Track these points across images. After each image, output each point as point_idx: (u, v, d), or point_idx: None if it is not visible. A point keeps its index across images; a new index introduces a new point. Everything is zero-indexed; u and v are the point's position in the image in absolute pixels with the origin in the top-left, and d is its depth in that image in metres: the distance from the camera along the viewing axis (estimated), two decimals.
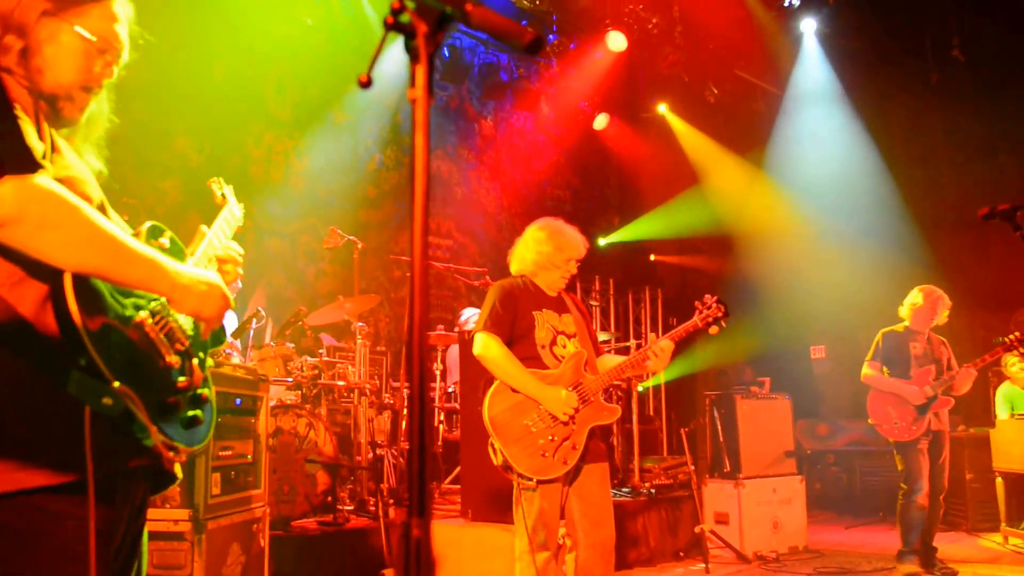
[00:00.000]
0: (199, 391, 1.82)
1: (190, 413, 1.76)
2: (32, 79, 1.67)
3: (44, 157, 1.57)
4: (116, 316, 1.62)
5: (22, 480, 1.51)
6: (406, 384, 6.68)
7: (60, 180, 1.56)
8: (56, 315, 1.52)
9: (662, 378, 10.03)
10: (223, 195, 2.25)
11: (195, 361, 1.82)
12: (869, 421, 5.78)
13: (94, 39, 1.75)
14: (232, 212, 2.21)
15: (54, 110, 1.73)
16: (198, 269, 1.81)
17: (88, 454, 1.53)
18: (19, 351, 1.54)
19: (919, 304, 5.77)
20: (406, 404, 6.64)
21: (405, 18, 1.06)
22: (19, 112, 1.58)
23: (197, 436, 1.80)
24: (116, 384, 1.54)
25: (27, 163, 1.23)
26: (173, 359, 1.72)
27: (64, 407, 1.53)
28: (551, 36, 9.90)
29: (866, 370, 5.82)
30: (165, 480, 1.86)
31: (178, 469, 1.86)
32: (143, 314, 1.67)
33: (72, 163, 1.71)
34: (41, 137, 1.62)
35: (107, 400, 1.53)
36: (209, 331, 1.87)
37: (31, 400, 1.54)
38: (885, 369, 5.78)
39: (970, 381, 5.65)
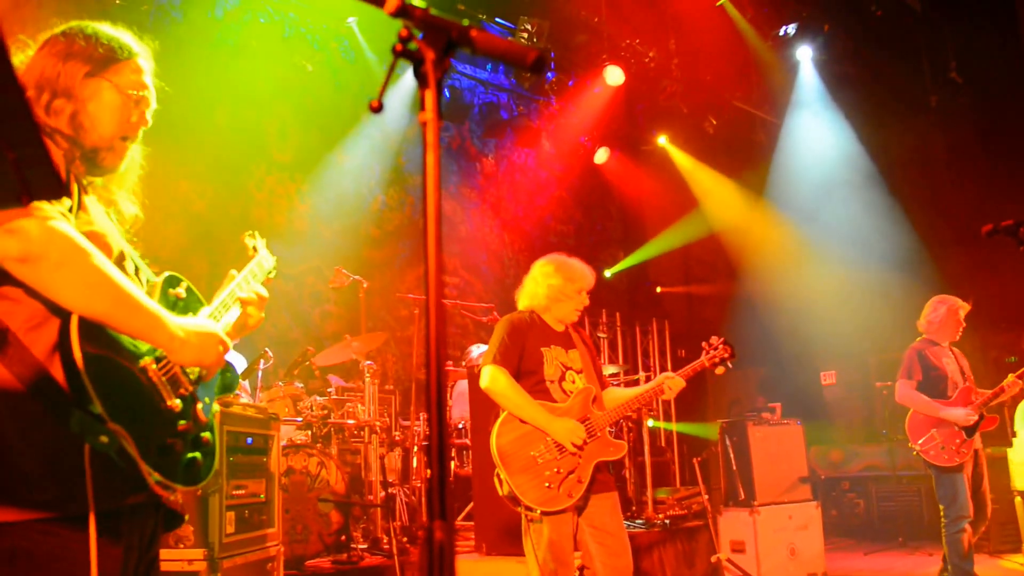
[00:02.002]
0: (200, 434, 1.89)
1: (189, 455, 1.83)
2: (77, 136, 1.83)
3: (70, 211, 1.71)
4: (123, 358, 1.73)
5: (30, 512, 1.60)
6: (421, 417, 6.68)
7: (82, 235, 1.68)
8: (63, 364, 1.62)
9: (674, 425, 9.98)
10: (255, 247, 2.36)
11: (199, 406, 1.91)
12: (910, 445, 5.40)
13: (131, 92, 1.92)
14: (261, 264, 2.31)
15: (95, 161, 1.88)
16: (198, 321, 1.90)
17: (89, 488, 1.62)
18: (30, 391, 1.63)
19: (940, 314, 5.49)
20: (417, 438, 6.65)
21: (413, 46, 1.11)
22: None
23: (195, 477, 1.86)
24: (111, 425, 1.62)
25: (55, 189, 1.29)
26: (174, 403, 1.80)
27: (68, 444, 1.62)
28: (550, 74, 10.03)
29: (901, 390, 5.44)
30: (174, 519, 1.95)
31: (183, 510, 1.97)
32: (147, 359, 1.77)
33: (96, 219, 1.83)
34: (69, 195, 1.75)
35: (104, 438, 1.62)
36: (211, 376, 1.97)
37: (39, 437, 1.63)
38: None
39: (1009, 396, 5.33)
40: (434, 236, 1.05)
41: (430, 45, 1.11)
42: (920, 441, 5.31)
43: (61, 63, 1.85)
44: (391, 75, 1.12)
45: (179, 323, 1.81)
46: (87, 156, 1.87)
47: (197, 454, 1.86)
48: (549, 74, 10.00)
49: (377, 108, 1.16)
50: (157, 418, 1.77)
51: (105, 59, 1.90)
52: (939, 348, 5.53)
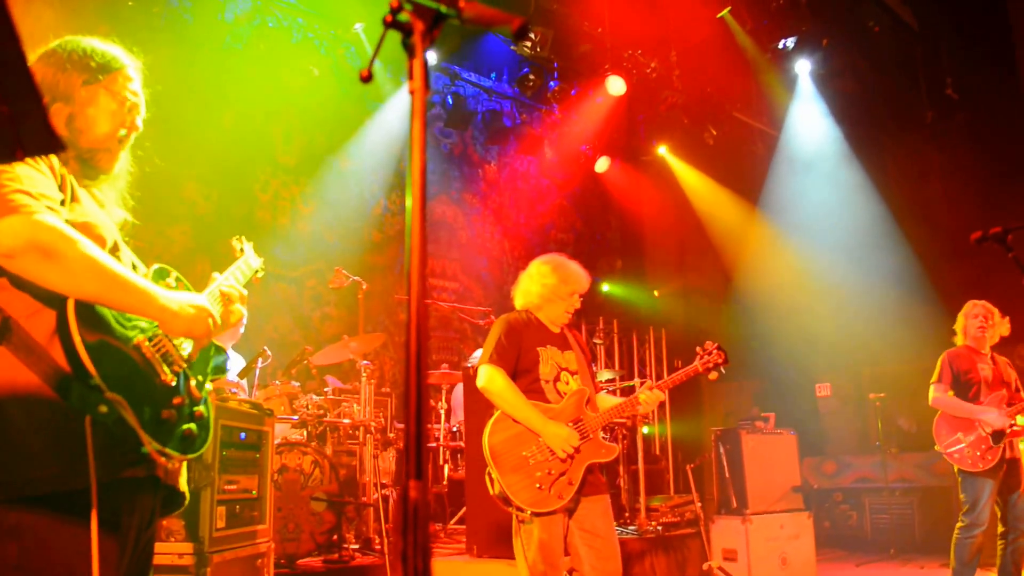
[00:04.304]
0: (194, 408, 1.98)
1: (184, 427, 1.92)
2: (73, 138, 1.97)
3: (63, 204, 1.81)
4: (117, 338, 1.81)
5: (35, 487, 1.68)
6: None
7: (75, 225, 1.78)
8: (63, 347, 1.71)
9: (668, 429, 9.96)
10: (241, 249, 2.50)
11: (192, 383, 2.00)
12: (935, 447, 5.38)
13: (124, 99, 2.06)
14: (248, 263, 2.44)
15: (92, 162, 2.01)
16: (187, 294, 2.01)
17: (91, 460, 1.69)
18: (34, 372, 1.71)
19: (968, 321, 5.52)
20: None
21: (403, 17, 1.16)
22: (40, 162, 1.81)
23: (191, 447, 1.94)
24: (109, 394, 1.71)
25: (50, 144, 1.33)
26: (168, 378, 1.90)
27: (69, 421, 1.69)
28: (552, 83, 10.08)
29: (934, 393, 5.42)
30: (175, 497, 2.03)
31: (184, 486, 2.04)
32: (140, 337, 1.86)
33: (89, 211, 1.92)
34: (62, 189, 1.85)
35: (103, 408, 1.71)
36: (199, 348, 2.06)
37: (42, 416, 1.70)
38: (951, 392, 5.40)
39: None
40: (418, 200, 1.08)
41: (419, 16, 1.16)
42: (946, 444, 5.29)
43: (60, 72, 1.99)
44: (380, 45, 1.17)
45: (171, 296, 1.91)
46: (82, 157, 1.99)
47: (192, 426, 1.95)
48: (552, 83, 10.06)
49: (367, 78, 1.21)
50: (153, 391, 1.86)
51: (100, 68, 2.05)
52: (977, 354, 5.51)
